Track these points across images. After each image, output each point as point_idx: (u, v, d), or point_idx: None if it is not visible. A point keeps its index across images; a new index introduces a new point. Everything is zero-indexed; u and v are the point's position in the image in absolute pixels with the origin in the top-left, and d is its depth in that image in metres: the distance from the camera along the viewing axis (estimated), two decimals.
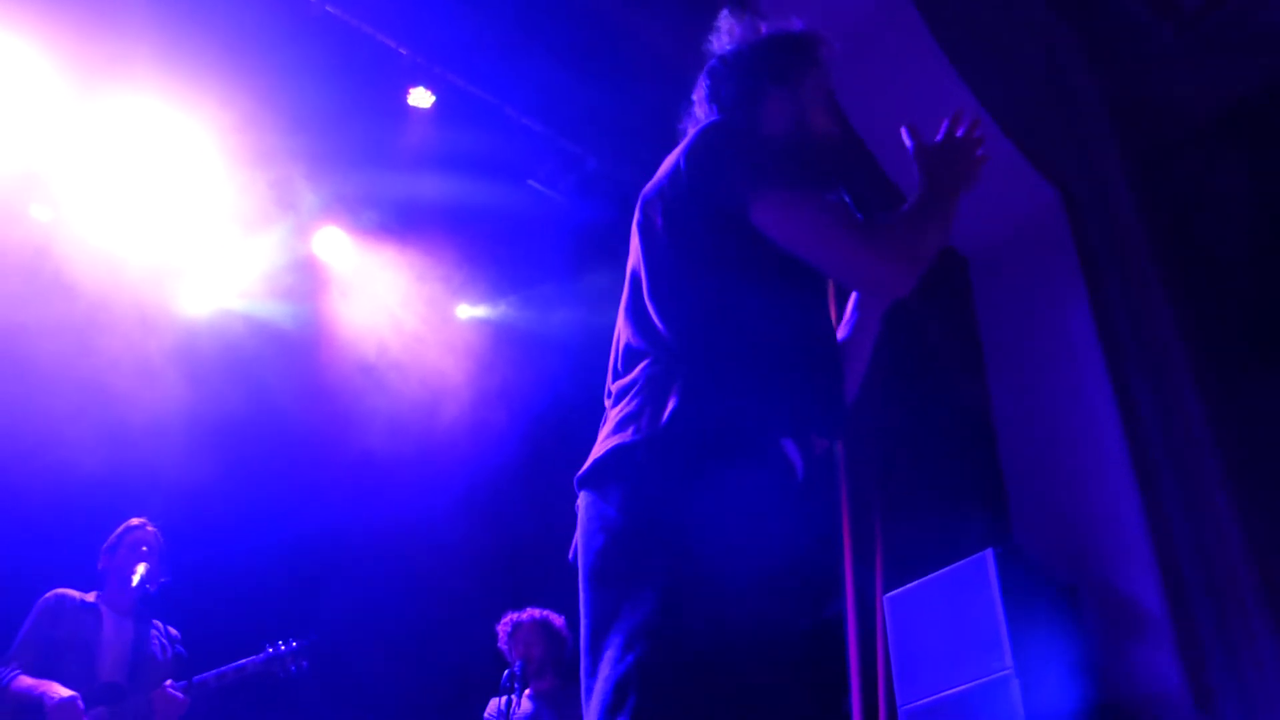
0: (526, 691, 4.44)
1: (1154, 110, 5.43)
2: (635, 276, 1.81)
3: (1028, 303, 4.74)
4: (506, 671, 4.24)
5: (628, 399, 1.69)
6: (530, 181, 5.14)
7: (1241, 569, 4.16)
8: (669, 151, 1.86)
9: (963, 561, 3.52)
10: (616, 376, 1.77)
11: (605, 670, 1.46)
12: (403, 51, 4.75)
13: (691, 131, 1.83)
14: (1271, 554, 4.30)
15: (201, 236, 5.26)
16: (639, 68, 4.65)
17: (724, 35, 2.00)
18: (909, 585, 3.67)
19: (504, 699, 4.17)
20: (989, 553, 3.46)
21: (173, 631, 4.13)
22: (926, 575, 3.64)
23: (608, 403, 1.77)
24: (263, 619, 4.72)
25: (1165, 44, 5.32)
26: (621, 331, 1.80)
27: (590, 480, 1.66)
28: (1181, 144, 5.42)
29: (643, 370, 1.70)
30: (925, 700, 3.41)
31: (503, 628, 4.47)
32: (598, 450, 1.68)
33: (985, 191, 4.93)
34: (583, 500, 1.67)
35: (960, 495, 4.46)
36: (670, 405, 1.60)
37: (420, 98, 4.88)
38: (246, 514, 5.10)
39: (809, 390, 1.71)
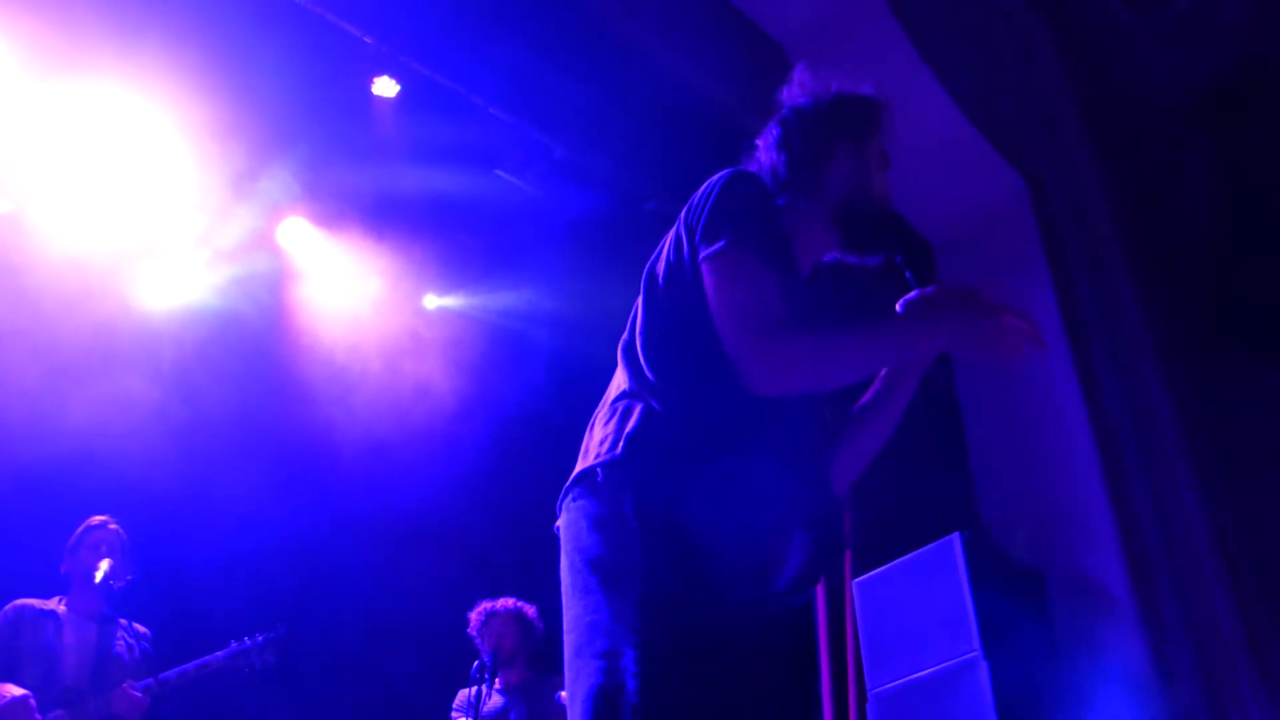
0: (496, 684, 4.43)
1: (1121, 98, 5.47)
2: (634, 316, 1.86)
3: (994, 290, 4.75)
4: (476, 662, 4.23)
5: (602, 424, 1.76)
6: (497, 171, 5.10)
7: (1205, 550, 4.21)
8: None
9: (930, 546, 3.54)
10: (601, 409, 1.83)
11: (585, 683, 1.51)
12: (367, 40, 4.69)
13: (727, 175, 1.85)
14: (1234, 535, 4.35)
15: (164, 227, 5.20)
16: (608, 56, 4.62)
17: (795, 86, 2.03)
18: (877, 570, 3.68)
19: (473, 690, 4.16)
20: (956, 537, 3.48)
21: (140, 629, 4.08)
22: (895, 560, 3.65)
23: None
24: (231, 614, 4.68)
25: (1132, 32, 5.36)
26: (617, 371, 1.85)
27: (568, 497, 1.72)
28: (1149, 131, 5.46)
29: (619, 399, 1.77)
30: (894, 684, 3.42)
31: (476, 616, 4.46)
32: (577, 468, 1.74)
33: (951, 179, 4.99)
34: (563, 518, 1.74)
35: (928, 480, 4.47)
36: (634, 423, 1.68)
37: (385, 87, 4.83)
38: (213, 508, 5.07)
39: (794, 491, 1.71)
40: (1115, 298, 4.81)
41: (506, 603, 4.48)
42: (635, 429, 1.67)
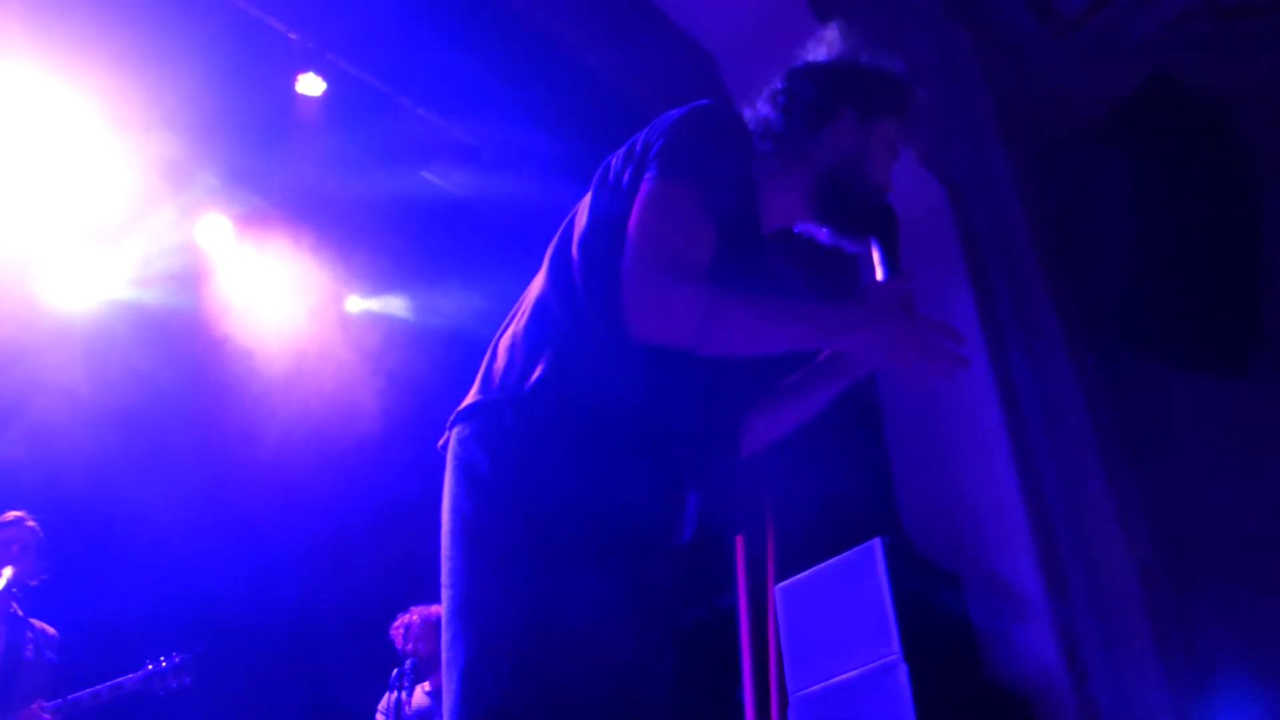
0: (426, 687, 4.43)
1: (1039, 111, 5.63)
2: (572, 222, 1.72)
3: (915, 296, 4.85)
4: (396, 669, 4.21)
5: (507, 350, 1.62)
6: (424, 173, 5.05)
7: (1116, 548, 4.35)
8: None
9: (851, 551, 3.59)
10: (509, 326, 1.69)
11: (460, 652, 1.41)
12: (292, 36, 4.62)
13: (692, 105, 1.71)
14: (1142, 531, 4.51)
15: (78, 223, 5.05)
16: (538, 60, 4.61)
17: (822, 45, 1.87)
18: (800, 576, 3.73)
19: (394, 695, 4.15)
20: (877, 542, 3.54)
21: (50, 632, 3.97)
22: (817, 566, 3.70)
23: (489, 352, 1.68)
24: (145, 619, 4.57)
25: (1049, 49, 5.51)
26: (536, 282, 1.71)
27: (461, 430, 1.59)
28: (1065, 143, 5.63)
29: (534, 323, 1.62)
30: (816, 687, 3.47)
31: (395, 630, 4.47)
32: (472, 397, 1.61)
33: None
34: (452, 447, 1.59)
35: (850, 487, 4.54)
36: (540, 370, 1.54)
37: (309, 84, 4.74)
38: (128, 511, 4.94)
39: (690, 425, 1.60)
40: (1031, 302, 4.94)
41: (422, 612, 4.47)
42: (547, 369, 1.53)
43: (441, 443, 1.65)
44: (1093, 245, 5.35)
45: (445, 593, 1.50)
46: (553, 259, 1.70)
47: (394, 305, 5.89)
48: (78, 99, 4.59)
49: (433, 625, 4.43)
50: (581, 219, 1.69)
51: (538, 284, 1.71)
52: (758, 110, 1.85)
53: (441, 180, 5.05)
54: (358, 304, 5.92)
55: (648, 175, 1.60)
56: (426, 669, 4.35)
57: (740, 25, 4.43)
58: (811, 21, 4.31)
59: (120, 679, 3.82)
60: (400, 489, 5.57)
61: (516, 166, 4.91)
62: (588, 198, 1.72)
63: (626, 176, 1.64)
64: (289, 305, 5.53)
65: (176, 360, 5.35)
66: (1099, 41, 5.37)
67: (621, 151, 1.70)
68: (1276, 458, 4.61)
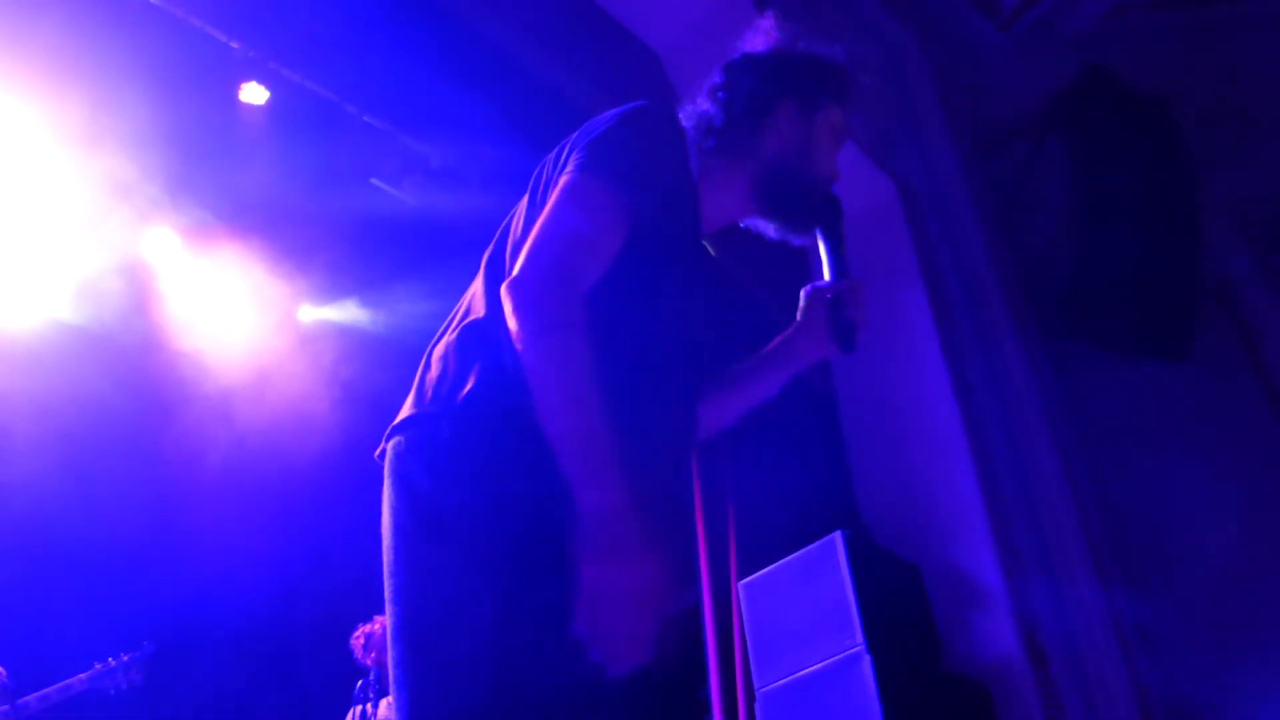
0: (388, 699, 4.38)
1: (982, 104, 5.72)
2: (508, 228, 1.68)
3: (867, 289, 4.90)
4: (360, 681, 4.17)
5: (439, 360, 1.58)
6: (373, 180, 5.01)
7: (1071, 534, 4.42)
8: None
9: (813, 546, 3.62)
10: (443, 334, 1.64)
11: (404, 695, 1.37)
12: (233, 45, 4.56)
13: (623, 107, 1.68)
14: (1093, 516, 4.59)
15: (21, 240, 4.94)
16: (484, 65, 4.59)
17: (759, 35, 1.84)
18: (762, 571, 3.75)
19: (359, 709, 4.10)
20: (837, 535, 3.56)
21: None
22: (779, 560, 3.72)
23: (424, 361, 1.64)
24: (97, 630, 4.49)
25: (989, 42, 5.60)
26: (470, 289, 1.67)
27: (398, 441, 1.54)
28: (1008, 135, 5.72)
29: (467, 332, 1.57)
30: (781, 681, 3.49)
31: (355, 640, 4.41)
32: (409, 407, 1.57)
33: None
34: (389, 460, 1.55)
35: (809, 480, 4.58)
36: (473, 380, 1.50)
37: (253, 93, 4.69)
38: (76, 528, 4.85)
39: (629, 425, 1.51)
40: (982, 293, 5.01)
41: (383, 621, 4.42)
42: (480, 379, 1.48)
43: (378, 453, 1.61)
44: (1036, 236, 5.45)
45: (389, 608, 1.46)
46: (487, 266, 1.66)
47: (347, 313, 5.83)
48: (17, 114, 4.50)
49: None
50: (517, 226, 1.65)
51: (471, 291, 1.67)
52: (698, 106, 1.81)
53: (390, 187, 5.02)
54: (310, 313, 5.86)
55: (563, 176, 1.56)
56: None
57: (685, 22, 4.44)
58: (754, 14, 4.33)
59: (68, 680, 3.75)
60: (356, 498, 5.52)
61: (466, 172, 4.89)
62: (523, 202, 1.69)
63: (555, 181, 1.60)
64: (240, 316, 5.46)
65: (124, 375, 5.27)
66: (1037, 35, 5.47)
67: (552, 156, 1.68)
68: (1216, 438, 4.73)
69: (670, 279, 1.63)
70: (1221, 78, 5.15)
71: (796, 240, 1.80)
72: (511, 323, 1.45)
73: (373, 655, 4.31)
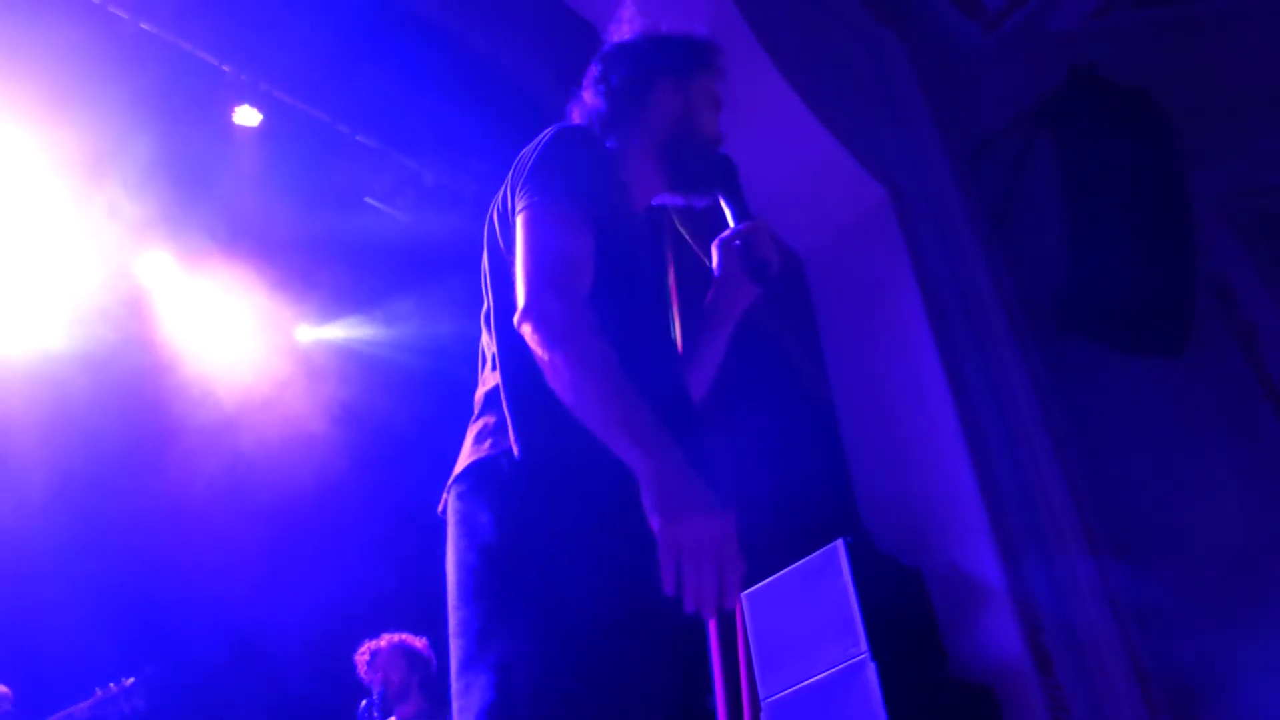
0: (392, 718, 4.38)
1: (971, 106, 5.74)
2: (481, 271, 1.81)
3: (862, 296, 4.92)
4: (365, 700, 4.17)
5: (482, 409, 1.69)
6: (367, 199, 5.03)
7: (1071, 533, 4.43)
8: (506, 163, 1.84)
9: (815, 554, 3.63)
10: (479, 385, 1.76)
11: (476, 697, 1.43)
12: (225, 69, 4.58)
13: (545, 132, 1.81)
14: (1093, 514, 4.61)
15: (16, 267, 4.96)
16: (475, 80, 4.61)
17: (624, 25, 2.00)
18: (765, 581, 3.76)
19: None
20: (840, 543, 3.57)
21: (4, 690, 3.89)
22: (782, 570, 3.73)
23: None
24: (95, 657, 4.50)
25: (976, 44, 5.63)
26: (483, 337, 1.80)
27: (459, 489, 1.64)
28: (998, 136, 5.74)
29: (493, 374, 1.70)
30: (786, 691, 3.51)
31: (360, 656, 4.40)
32: (466, 457, 1.66)
33: (817, 193, 5.11)
34: (452, 507, 1.65)
35: (809, 486, 4.59)
36: (510, 423, 1.61)
37: (246, 116, 4.71)
38: (78, 554, 4.86)
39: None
40: (976, 294, 5.01)
41: (390, 638, 4.43)
42: (517, 418, 1.59)
43: (441, 508, 1.70)
44: (1029, 235, 5.47)
45: (455, 642, 1.52)
46: (485, 319, 1.77)
47: (346, 332, 5.85)
48: (12, 141, 4.52)
49: (404, 653, 4.38)
50: (486, 277, 1.78)
51: (483, 344, 1.79)
52: (585, 102, 1.96)
53: (385, 205, 5.03)
54: (309, 333, 5.88)
55: (520, 212, 1.68)
56: (396, 699, 4.30)
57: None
58: (745, 28, 4.35)
59: (70, 709, 3.75)
60: (358, 518, 5.54)
61: (460, 188, 4.91)
62: (485, 239, 1.81)
63: (512, 221, 1.72)
64: (238, 338, 5.48)
65: (122, 399, 5.28)
66: (1024, 35, 5.49)
67: (497, 203, 1.80)
68: (1214, 434, 4.74)
69: (638, 263, 1.78)
70: (1208, 73, 5.17)
71: (699, 203, 1.95)
72: (534, 346, 1.55)
73: (378, 675, 4.30)
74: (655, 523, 1.38)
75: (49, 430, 5.00)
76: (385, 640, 4.44)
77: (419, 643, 4.47)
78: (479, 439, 1.66)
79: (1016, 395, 4.75)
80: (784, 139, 4.56)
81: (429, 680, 4.46)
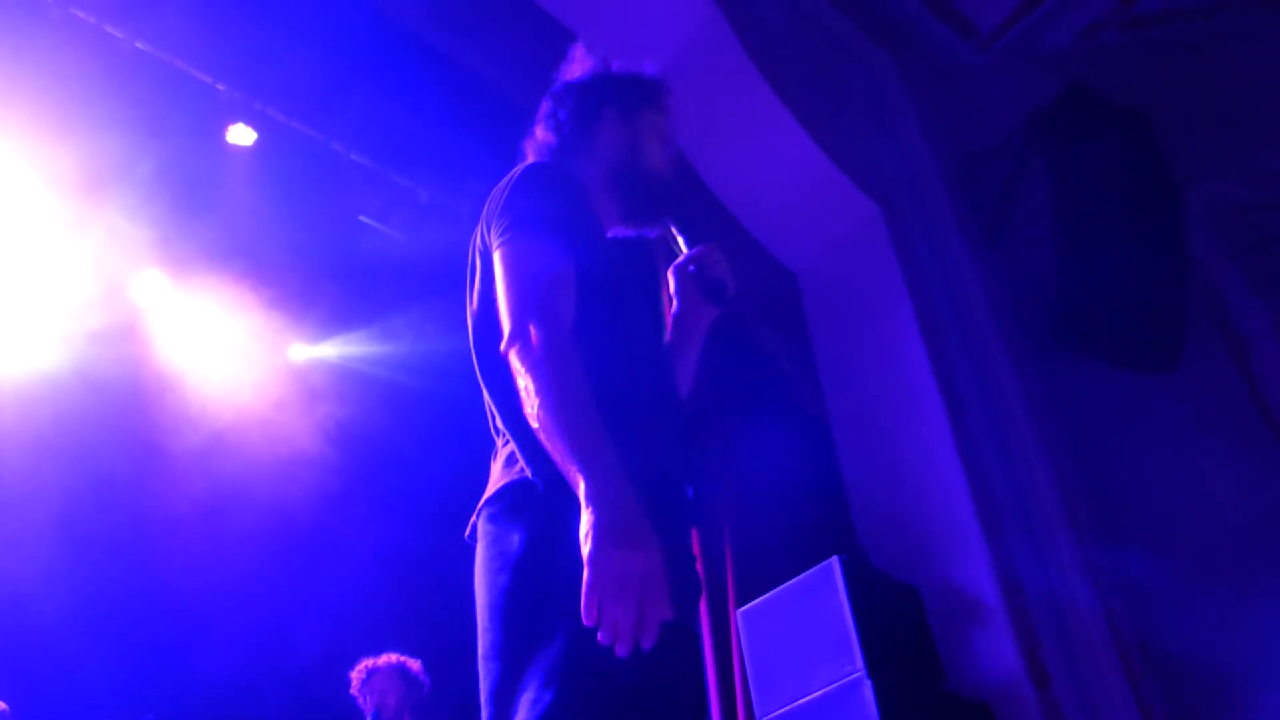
0: None
1: (964, 123, 5.76)
2: (469, 302, 1.85)
3: (856, 312, 4.93)
4: None
5: (497, 431, 1.73)
6: (362, 217, 5.04)
7: (1067, 547, 4.42)
8: (499, 181, 1.87)
9: (811, 571, 3.62)
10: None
11: (523, 714, 1.44)
12: (219, 88, 4.60)
13: (515, 170, 1.86)
14: (1090, 527, 4.60)
15: (11, 287, 4.95)
16: (469, 99, 4.62)
17: (574, 65, 2.05)
18: (761, 599, 3.75)
19: None
20: (835, 560, 3.56)
21: (3, 707, 3.87)
22: (777, 587, 3.72)
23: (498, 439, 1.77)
24: (93, 683, 4.47)
25: (969, 62, 5.66)
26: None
27: (490, 511, 1.66)
28: (991, 153, 5.76)
29: (493, 399, 1.74)
30: (782, 709, 3.49)
31: (357, 674, 4.38)
32: (497, 480, 1.68)
33: (810, 209, 5.12)
34: (483, 529, 1.66)
35: (806, 504, 4.58)
36: (519, 451, 1.63)
37: (240, 135, 4.72)
38: (74, 578, 4.84)
39: (643, 439, 1.65)
40: (970, 310, 5.02)
41: (389, 659, 4.41)
42: (525, 446, 1.61)
43: (469, 533, 1.72)
44: (1023, 251, 5.48)
45: (485, 665, 1.54)
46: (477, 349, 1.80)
47: (340, 351, 5.84)
48: (5, 160, 4.52)
49: (401, 675, 4.37)
50: (473, 303, 1.81)
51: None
52: (537, 138, 2.02)
53: (379, 224, 5.04)
54: (303, 352, 5.87)
55: (498, 247, 1.72)
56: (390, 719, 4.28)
57: (667, 60, 4.47)
58: (735, 50, 4.37)
59: None
60: (354, 539, 5.52)
61: (455, 206, 4.92)
62: (468, 269, 1.84)
63: (491, 256, 1.76)
64: (231, 356, 5.47)
65: (116, 417, 5.26)
66: (1016, 54, 5.52)
67: (476, 240, 1.84)
68: (1208, 446, 4.74)
69: (623, 280, 1.82)
70: (1200, 90, 5.21)
71: (651, 233, 1.98)
72: (515, 372, 1.59)
73: (374, 695, 4.27)
74: (585, 550, 1.40)
75: (43, 449, 4.98)
76: (384, 660, 4.42)
77: (415, 665, 4.45)
78: (509, 462, 1.68)
79: (1011, 410, 4.74)
80: (777, 155, 4.58)
81: (421, 703, 4.43)
